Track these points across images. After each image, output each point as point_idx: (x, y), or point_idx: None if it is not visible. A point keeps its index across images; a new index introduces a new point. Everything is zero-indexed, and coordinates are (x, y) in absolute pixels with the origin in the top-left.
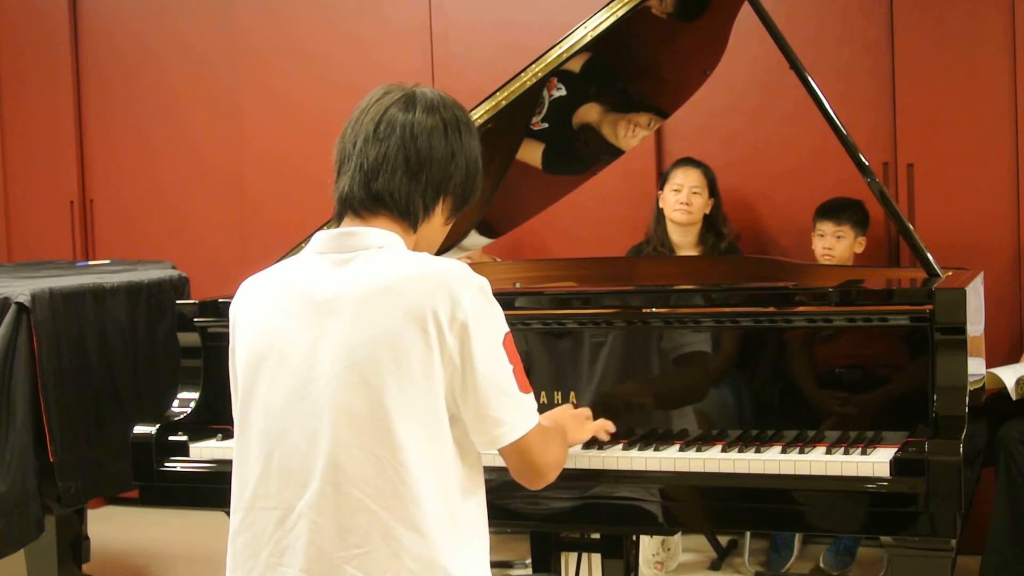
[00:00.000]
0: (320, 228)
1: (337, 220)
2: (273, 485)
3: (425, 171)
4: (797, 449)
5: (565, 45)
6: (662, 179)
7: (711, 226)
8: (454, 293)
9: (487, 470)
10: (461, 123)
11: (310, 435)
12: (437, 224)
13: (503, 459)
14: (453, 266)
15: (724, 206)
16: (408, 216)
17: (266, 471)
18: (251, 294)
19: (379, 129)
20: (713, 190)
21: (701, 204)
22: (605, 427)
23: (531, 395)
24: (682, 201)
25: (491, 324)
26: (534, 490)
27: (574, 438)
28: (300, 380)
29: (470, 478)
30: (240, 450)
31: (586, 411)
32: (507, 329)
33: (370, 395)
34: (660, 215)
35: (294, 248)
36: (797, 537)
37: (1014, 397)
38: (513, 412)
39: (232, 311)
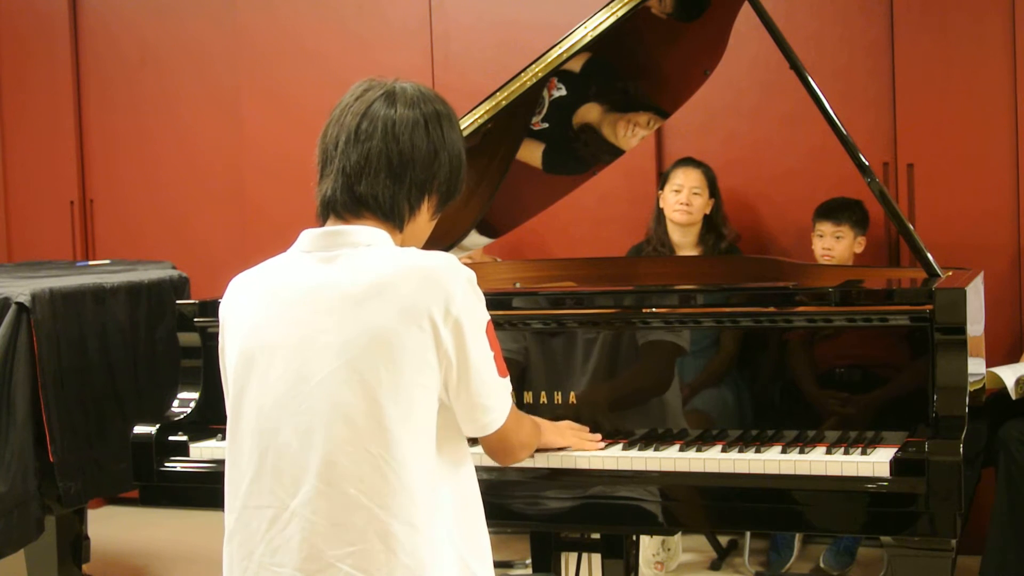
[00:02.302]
0: None
1: (321, 222)
2: (266, 484)
3: (409, 172)
4: (797, 449)
5: (565, 45)
6: (662, 179)
7: (711, 226)
8: (447, 288)
9: (482, 470)
10: (442, 117)
11: (303, 433)
12: (423, 222)
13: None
14: (442, 260)
15: (724, 206)
16: (393, 218)
17: (259, 470)
18: (240, 293)
19: (360, 128)
20: (714, 190)
21: (701, 204)
22: (587, 439)
23: (507, 379)
24: (682, 202)
25: (478, 316)
26: (503, 466)
27: (549, 439)
28: (292, 378)
29: (452, 459)
30: (233, 449)
31: (568, 422)
32: (488, 317)
33: (365, 392)
34: (660, 215)
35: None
36: (797, 537)
37: (1014, 396)
38: (497, 398)
39: (221, 310)
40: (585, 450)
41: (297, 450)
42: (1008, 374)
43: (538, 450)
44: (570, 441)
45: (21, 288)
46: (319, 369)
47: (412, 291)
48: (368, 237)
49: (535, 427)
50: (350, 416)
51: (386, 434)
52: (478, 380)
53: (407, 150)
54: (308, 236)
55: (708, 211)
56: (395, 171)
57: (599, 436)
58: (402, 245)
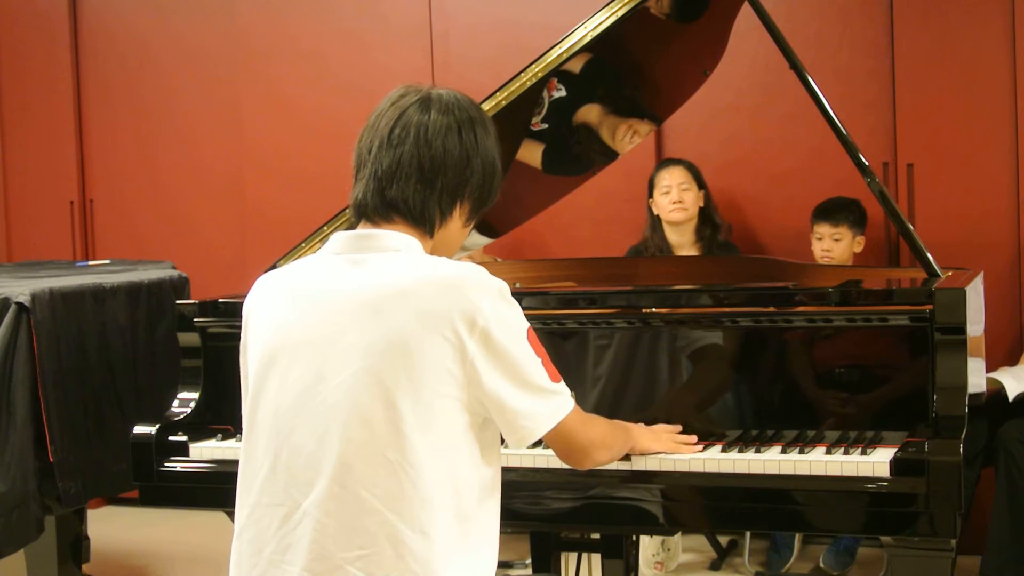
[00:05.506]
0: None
1: (353, 225)
2: (280, 482)
3: (440, 177)
4: (797, 449)
5: (565, 45)
6: (649, 186)
7: (706, 218)
8: (474, 300)
9: None
10: (476, 123)
11: (319, 434)
12: (455, 228)
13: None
14: (471, 271)
15: (724, 206)
16: (424, 223)
17: (273, 468)
18: (266, 291)
19: (393, 134)
20: (700, 182)
21: (693, 198)
22: (681, 440)
23: (561, 383)
24: (674, 200)
25: (513, 325)
26: (583, 470)
27: (645, 444)
28: (311, 378)
29: (490, 485)
30: (248, 446)
31: (664, 426)
32: (527, 324)
33: (383, 397)
34: (656, 222)
35: (294, 249)
36: (797, 537)
37: (1011, 399)
38: (545, 405)
39: (246, 307)
40: (681, 454)
41: (312, 450)
42: (1006, 378)
43: (632, 456)
44: (667, 446)
45: (21, 288)
46: (339, 370)
47: (438, 300)
48: (398, 242)
49: (614, 429)
50: (368, 419)
51: (404, 440)
52: (516, 390)
53: (439, 155)
54: (339, 238)
55: (702, 203)
56: (426, 176)
57: (695, 438)
58: (432, 252)
